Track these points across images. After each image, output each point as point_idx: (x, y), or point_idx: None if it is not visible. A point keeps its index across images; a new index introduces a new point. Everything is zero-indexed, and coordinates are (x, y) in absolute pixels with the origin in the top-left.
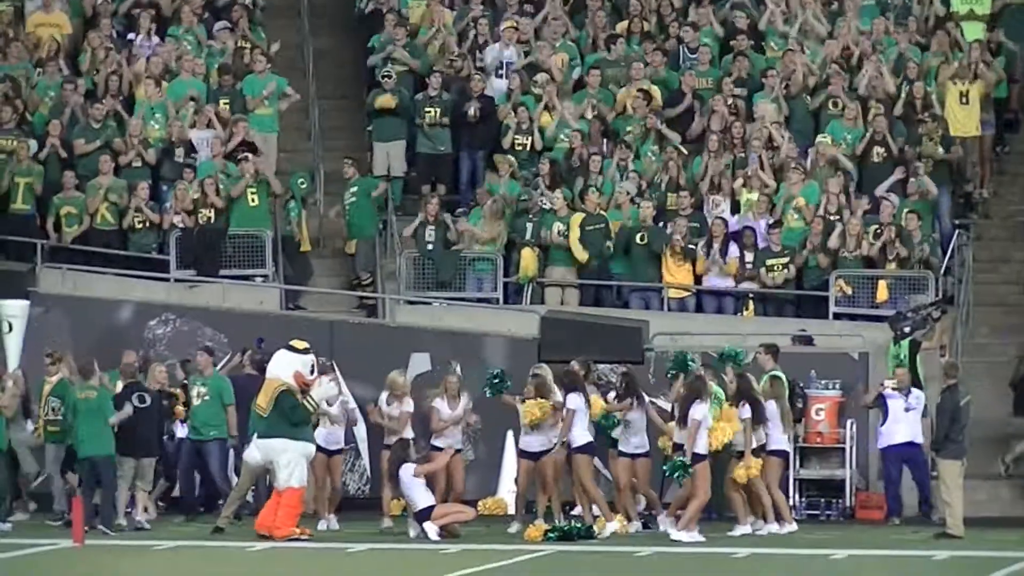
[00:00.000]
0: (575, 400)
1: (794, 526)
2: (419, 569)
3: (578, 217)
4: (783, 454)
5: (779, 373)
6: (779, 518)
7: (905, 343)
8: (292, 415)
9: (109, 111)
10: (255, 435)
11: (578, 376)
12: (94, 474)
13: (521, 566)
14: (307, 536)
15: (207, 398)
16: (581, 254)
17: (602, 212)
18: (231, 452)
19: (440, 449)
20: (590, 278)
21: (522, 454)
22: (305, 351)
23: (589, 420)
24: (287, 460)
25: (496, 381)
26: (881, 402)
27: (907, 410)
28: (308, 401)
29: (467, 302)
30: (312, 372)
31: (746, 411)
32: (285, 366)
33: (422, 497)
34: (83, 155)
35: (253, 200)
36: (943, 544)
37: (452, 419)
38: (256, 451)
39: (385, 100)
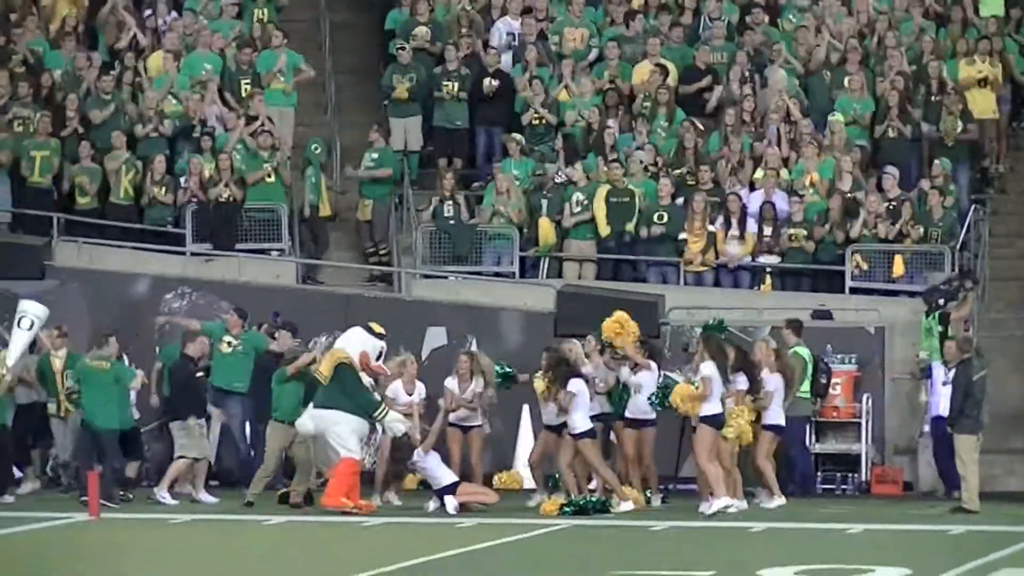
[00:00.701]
0: (576, 384)
1: (783, 500)
2: (436, 543)
3: (603, 190)
4: (778, 428)
5: (802, 348)
6: (770, 492)
7: (937, 315)
8: (355, 396)
9: (121, 81)
10: (311, 404)
11: (575, 362)
12: (96, 446)
13: (537, 540)
14: (363, 511)
15: (240, 349)
16: (604, 228)
17: (628, 186)
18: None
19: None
20: (611, 251)
21: (544, 428)
22: (380, 336)
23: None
24: (339, 432)
25: (501, 380)
26: (928, 373)
27: (944, 384)
28: (382, 404)
29: (483, 276)
30: (379, 358)
31: (742, 381)
32: (355, 342)
33: (445, 474)
34: (98, 126)
35: (270, 177)
36: (959, 518)
37: (461, 400)
38: (309, 421)
39: (399, 92)
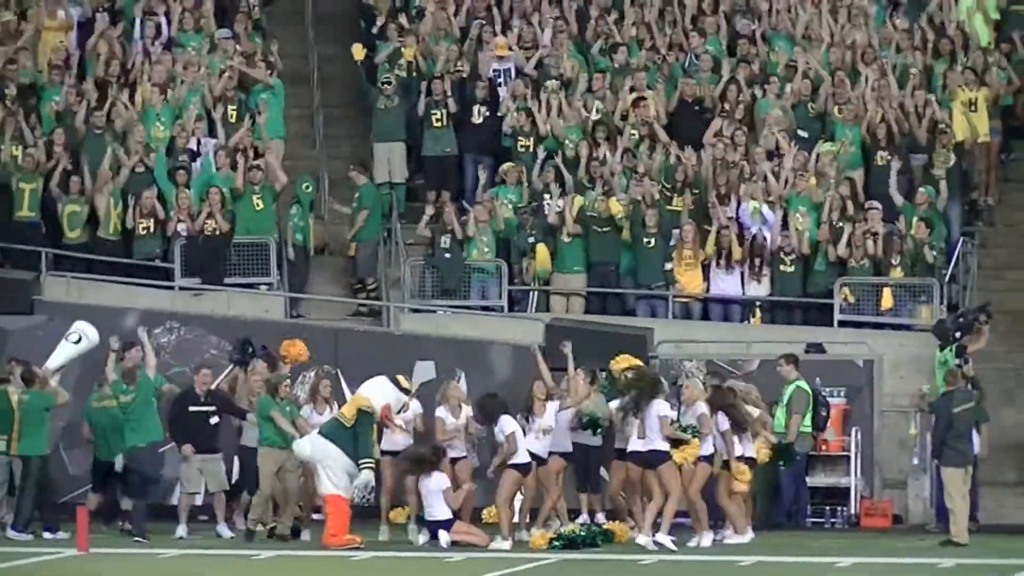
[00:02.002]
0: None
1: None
2: None
3: (578, 201)
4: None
5: (803, 382)
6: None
7: (952, 349)
8: (357, 442)
9: (112, 118)
10: (318, 431)
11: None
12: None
13: (525, 574)
14: (360, 544)
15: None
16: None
17: (612, 214)
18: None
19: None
20: (598, 285)
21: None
22: (406, 392)
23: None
24: (330, 467)
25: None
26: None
27: None
28: (371, 459)
29: (471, 310)
30: (399, 412)
31: (724, 422)
32: (380, 394)
33: (442, 510)
34: (87, 159)
35: (259, 205)
36: (948, 551)
37: (455, 428)
38: (308, 445)
39: (357, 50)
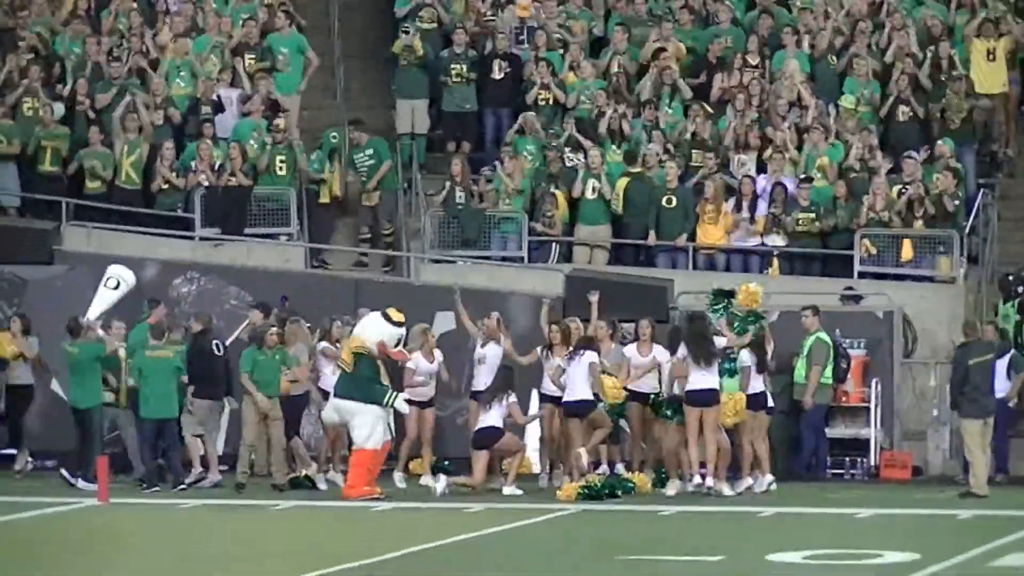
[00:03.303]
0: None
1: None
2: (444, 528)
3: (623, 182)
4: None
5: (823, 334)
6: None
7: (1015, 303)
8: (365, 386)
9: (132, 68)
10: (333, 394)
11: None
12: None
13: (545, 525)
14: (380, 495)
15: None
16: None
17: (646, 172)
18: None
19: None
20: (626, 236)
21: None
22: (399, 324)
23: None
24: (360, 422)
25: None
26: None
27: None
28: (390, 396)
29: (492, 261)
30: (396, 346)
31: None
32: (372, 332)
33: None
34: (105, 108)
35: (281, 169)
36: (967, 503)
37: (428, 373)
38: (332, 411)
39: (400, 45)
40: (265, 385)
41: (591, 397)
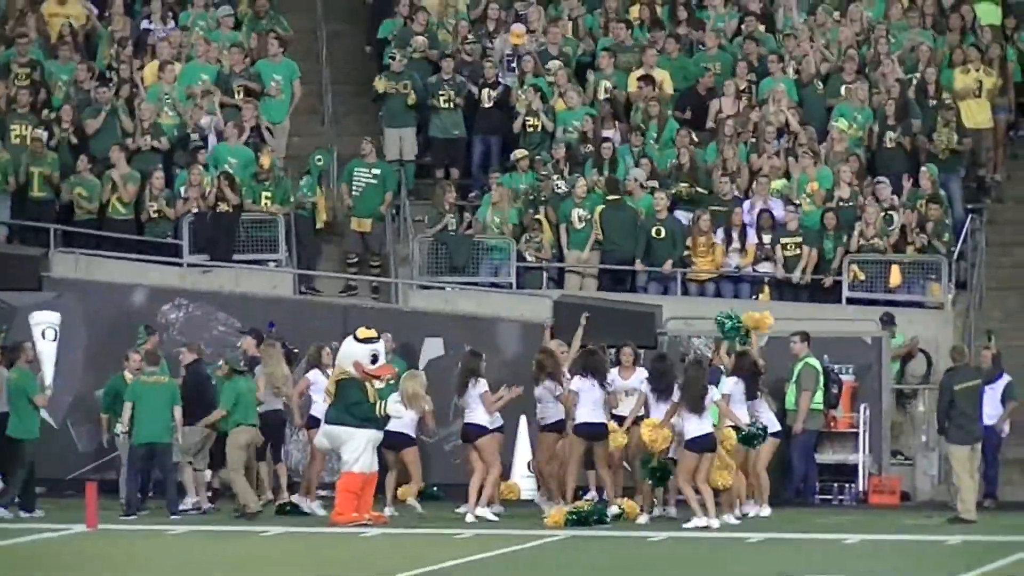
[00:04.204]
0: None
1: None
2: (433, 553)
3: (599, 209)
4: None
5: (813, 360)
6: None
7: None
8: (354, 409)
9: (119, 92)
10: (323, 421)
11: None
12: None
13: (534, 551)
14: (371, 521)
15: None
16: (601, 239)
17: (626, 199)
18: None
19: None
20: (612, 263)
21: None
22: (367, 340)
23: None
24: (352, 447)
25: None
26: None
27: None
28: (378, 405)
29: (480, 287)
30: (374, 362)
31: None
32: (346, 356)
33: (481, 415)
34: (93, 135)
35: (267, 204)
36: (956, 529)
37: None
38: (324, 438)
39: (381, 83)
40: (248, 416)
41: (604, 420)
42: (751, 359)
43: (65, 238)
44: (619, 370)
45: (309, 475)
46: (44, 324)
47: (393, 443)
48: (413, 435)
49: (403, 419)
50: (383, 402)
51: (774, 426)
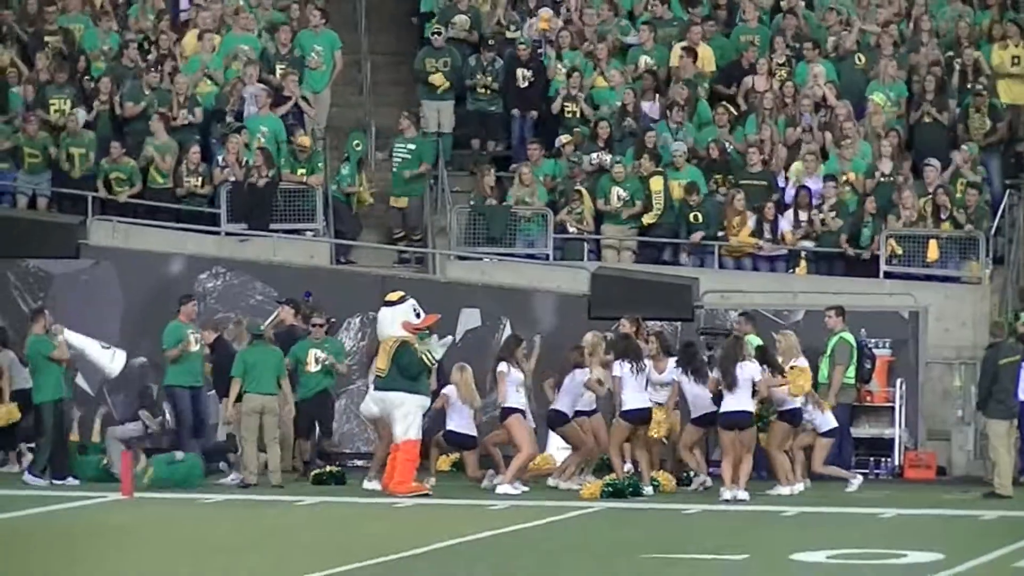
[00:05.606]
0: (620, 368)
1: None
2: (468, 524)
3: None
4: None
5: (847, 334)
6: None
7: None
8: (410, 368)
9: (167, 72)
10: (372, 388)
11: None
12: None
13: (570, 522)
14: (429, 492)
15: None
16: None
17: (671, 172)
18: None
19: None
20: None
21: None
22: (401, 299)
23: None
24: (403, 413)
25: None
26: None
27: None
28: (426, 354)
29: (517, 258)
30: (418, 316)
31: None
32: (390, 322)
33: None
34: (132, 117)
35: (303, 174)
36: (992, 504)
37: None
38: (372, 404)
39: (435, 79)
40: (260, 384)
41: (649, 405)
42: (634, 342)
43: (103, 206)
44: (653, 363)
45: (378, 456)
46: (113, 351)
47: (462, 443)
48: (475, 434)
49: (464, 420)
50: (428, 352)
51: (828, 424)
